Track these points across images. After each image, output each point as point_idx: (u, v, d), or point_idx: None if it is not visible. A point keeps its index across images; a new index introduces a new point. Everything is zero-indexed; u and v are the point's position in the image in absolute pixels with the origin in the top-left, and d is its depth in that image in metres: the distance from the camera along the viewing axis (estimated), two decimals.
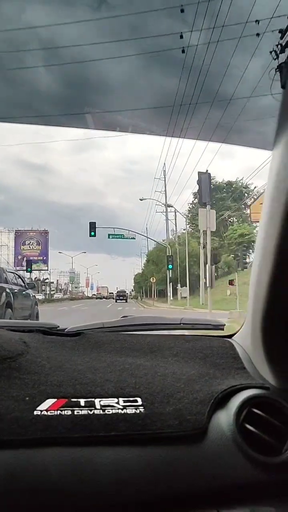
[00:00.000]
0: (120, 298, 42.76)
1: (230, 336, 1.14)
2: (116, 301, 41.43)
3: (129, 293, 62.03)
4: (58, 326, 1.20)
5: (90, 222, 26.41)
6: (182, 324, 1.27)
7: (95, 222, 26.38)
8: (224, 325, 1.25)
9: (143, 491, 0.64)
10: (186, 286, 29.82)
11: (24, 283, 9.52)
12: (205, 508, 0.66)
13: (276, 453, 0.69)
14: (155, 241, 38.78)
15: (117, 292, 47.86)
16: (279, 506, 0.67)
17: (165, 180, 37.42)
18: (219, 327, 1.26)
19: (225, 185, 46.08)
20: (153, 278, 35.58)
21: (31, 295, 9.64)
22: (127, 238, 32.45)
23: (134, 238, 33.42)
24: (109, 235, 32.24)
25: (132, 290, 74.22)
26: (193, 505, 0.66)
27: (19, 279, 9.33)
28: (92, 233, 26.07)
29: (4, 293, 7.35)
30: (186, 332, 1.24)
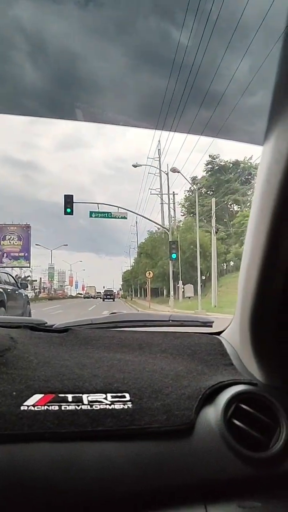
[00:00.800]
0: (108, 297, 44.79)
1: (219, 333, 1.14)
2: (103, 300, 42.85)
3: (116, 292, 61.18)
4: (46, 322, 1.20)
5: (65, 195, 19.95)
6: (171, 321, 1.28)
7: (72, 195, 20.08)
8: (213, 322, 1.26)
9: (130, 486, 0.64)
10: (190, 284, 25.19)
11: (16, 282, 9.77)
12: (192, 502, 0.66)
13: (263, 449, 0.69)
14: (154, 222, 31.54)
15: (105, 291, 49.54)
16: (265, 501, 0.67)
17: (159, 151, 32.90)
18: (208, 324, 1.27)
19: (231, 165, 41.52)
20: (149, 273, 28.62)
21: (23, 294, 9.89)
22: (115, 217, 25.08)
23: (125, 218, 25.37)
24: (91, 213, 24.59)
25: (120, 289, 72.34)
26: (181, 499, 0.66)
27: (12, 278, 9.61)
28: (68, 210, 19.87)
29: (2, 293, 7.69)
30: (175, 329, 1.25)
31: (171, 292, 24.36)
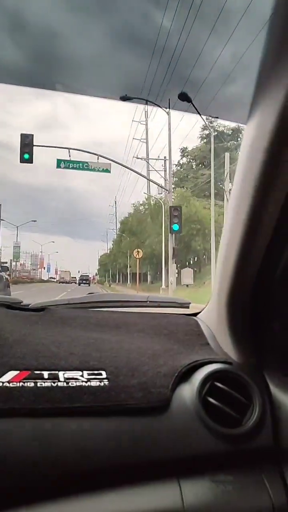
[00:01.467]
0: (84, 281, 45.70)
1: (196, 314, 1.16)
2: (79, 285, 43.25)
3: (92, 277, 60.05)
4: (22, 301, 1.18)
5: (21, 135, 14.65)
6: (148, 302, 1.28)
7: (31, 135, 14.77)
8: (190, 303, 1.27)
9: (106, 461, 0.66)
10: (188, 268, 20.83)
11: None
12: (166, 477, 0.68)
13: (237, 425, 0.72)
14: (151, 180, 22.73)
15: (80, 276, 49.82)
16: (237, 475, 0.70)
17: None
18: (185, 305, 1.28)
19: (230, 131, 35.40)
20: (138, 251, 22.35)
21: (4, 277, 10.46)
22: (94, 170, 17.63)
23: (108, 171, 17.58)
24: (59, 162, 17.55)
25: (96, 274, 69.72)
26: (155, 475, 0.68)
27: None
28: (26, 156, 14.53)
29: None
30: (152, 310, 1.25)
31: (170, 278, 17.11)
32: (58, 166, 17.63)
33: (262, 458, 0.72)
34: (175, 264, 17.37)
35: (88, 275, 53.85)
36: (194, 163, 38.87)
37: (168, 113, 18.49)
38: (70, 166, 17.79)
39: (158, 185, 21.79)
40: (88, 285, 43.37)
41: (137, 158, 29.87)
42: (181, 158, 38.62)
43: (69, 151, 17.12)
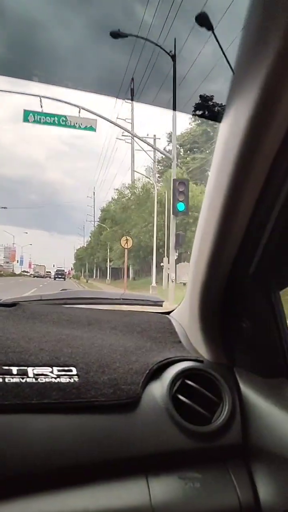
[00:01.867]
0: (59, 276, 45.35)
1: (169, 312, 1.16)
2: (54, 279, 42.65)
3: (67, 272, 58.64)
4: None
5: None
6: (122, 300, 1.28)
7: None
8: (163, 301, 1.28)
9: (75, 458, 0.65)
10: (185, 262, 16.00)
11: None
12: (134, 474, 0.68)
13: (206, 423, 0.73)
14: (147, 143, 17.13)
15: (56, 271, 49.21)
16: (205, 472, 0.70)
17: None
18: (158, 303, 1.29)
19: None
20: (126, 240, 17.64)
21: None
22: (73, 127, 13.33)
23: (92, 129, 13.30)
24: (26, 114, 13.09)
25: (71, 269, 67.16)
26: (124, 472, 0.68)
27: None
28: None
29: None
30: (125, 308, 1.26)
31: (171, 274, 12.91)
32: (26, 119, 12.96)
33: (230, 455, 0.73)
34: (174, 256, 13.23)
35: (63, 270, 53.02)
36: (182, 149, 34.55)
37: (173, 57, 13.05)
38: (42, 121, 13.00)
39: (161, 152, 17.94)
40: (63, 279, 42.96)
41: (123, 136, 27.57)
42: (168, 144, 33.70)
43: (40, 100, 12.38)
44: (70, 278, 51.91)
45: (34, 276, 56.38)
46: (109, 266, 30.60)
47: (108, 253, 29.91)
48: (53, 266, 66.26)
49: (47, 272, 64.72)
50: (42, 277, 53.79)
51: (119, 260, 25.00)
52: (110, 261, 30.84)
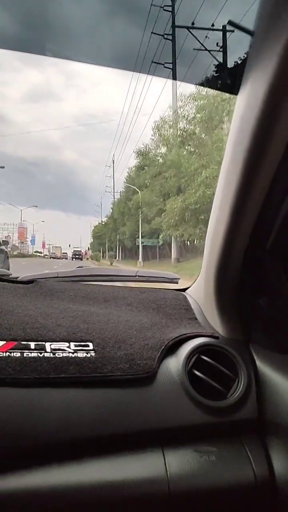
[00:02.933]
0: (76, 256, 45.70)
1: (184, 289, 1.16)
2: (72, 259, 42.77)
3: (84, 252, 56.54)
4: (11, 274, 1.19)
5: None
6: (137, 277, 1.28)
7: None
8: (179, 278, 1.27)
9: (91, 431, 0.67)
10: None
11: None
12: (151, 447, 0.69)
13: (221, 398, 0.73)
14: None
15: (74, 251, 49.22)
16: (220, 446, 0.71)
17: None
18: (174, 280, 1.28)
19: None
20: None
21: (4, 251, 11.80)
22: None
23: None
24: None
25: (88, 249, 62.35)
26: (140, 444, 0.69)
27: None
28: None
29: None
30: (141, 285, 1.26)
31: None
32: None
33: (246, 430, 0.74)
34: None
35: (80, 250, 52.66)
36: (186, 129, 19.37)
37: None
38: None
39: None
40: (81, 259, 43.01)
41: None
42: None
43: None
44: (87, 259, 48.06)
45: (50, 257, 52.09)
46: (141, 243, 22.67)
47: (140, 225, 21.87)
48: (69, 246, 63.41)
49: (63, 253, 62.19)
50: (59, 258, 50.83)
51: (169, 228, 15.68)
52: (141, 237, 22.67)
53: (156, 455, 0.69)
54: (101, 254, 44.54)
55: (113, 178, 43.53)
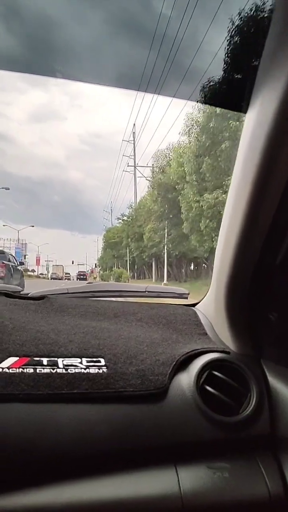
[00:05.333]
0: (81, 276, 45.13)
1: (194, 304, 1.16)
2: (77, 279, 42.32)
3: (90, 270, 54.71)
4: (22, 290, 1.20)
5: None
6: (147, 292, 1.29)
7: None
8: (188, 293, 1.28)
9: (103, 447, 0.67)
10: None
11: (16, 261, 13.80)
12: (163, 463, 0.69)
13: (233, 414, 0.73)
14: None
15: (79, 272, 48.57)
16: (233, 462, 0.71)
17: None
18: (183, 296, 1.29)
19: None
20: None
21: (20, 270, 14.05)
22: None
23: None
24: None
25: (96, 266, 54.68)
26: (152, 460, 0.69)
27: (14, 258, 13.75)
28: None
29: (10, 268, 11.91)
30: (151, 300, 1.26)
31: None
32: None
33: (259, 446, 0.73)
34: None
35: (84, 271, 51.26)
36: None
37: None
38: None
39: None
40: (85, 279, 41.94)
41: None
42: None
43: None
44: (94, 278, 43.44)
45: (51, 278, 46.75)
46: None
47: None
48: (72, 263, 59.32)
49: (66, 273, 56.42)
50: (60, 279, 45.72)
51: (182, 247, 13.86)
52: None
53: (169, 471, 0.68)
54: (111, 271, 32.90)
55: (134, 152, 33.98)
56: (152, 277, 25.70)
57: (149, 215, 21.78)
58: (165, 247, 19.39)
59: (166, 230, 19.03)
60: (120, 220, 33.78)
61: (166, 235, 19.11)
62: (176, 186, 17.22)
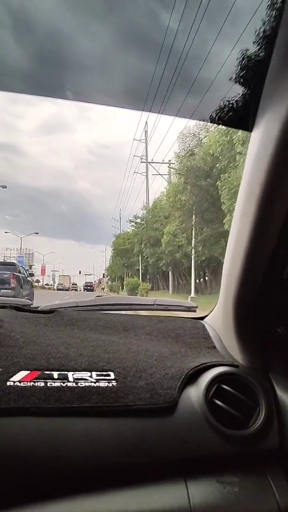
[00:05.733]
0: (88, 288, 44.54)
1: (202, 318, 1.17)
2: (84, 291, 41.62)
3: (97, 281, 52.99)
4: (32, 304, 1.21)
5: None
6: (155, 305, 1.30)
7: None
8: (197, 307, 1.28)
9: (114, 461, 0.67)
10: None
11: (26, 273, 13.93)
12: (173, 477, 0.69)
13: (243, 427, 0.73)
14: None
15: (85, 283, 48.15)
16: (243, 477, 0.71)
17: None
18: (192, 309, 1.29)
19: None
20: None
21: (30, 281, 14.40)
22: None
23: None
24: None
25: (104, 276, 51.36)
26: (162, 475, 0.69)
27: (24, 270, 13.93)
28: None
29: (20, 279, 12.08)
30: (159, 313, 1.27)
31: None
32: None
33: (268, 460, 0.73)
34: None
35: (91, 282, 50.87)
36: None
37: None
38: None
39: None
40: (92, 290, 41.62)
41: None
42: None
43: None
44: (102, 289, 41.31)
45: (57, 289, 45.00)
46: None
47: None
48: (79, 273, 57.45)
49: (73, 284, 54.96)
50: (67, 290, 44.73)
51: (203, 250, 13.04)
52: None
53: (179, 485, 0.68)
54: (121, 282, 31.22)
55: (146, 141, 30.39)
56: (168, 289, 22.11)
57: (173, 211, 17.53)
58: (193, 251, 15.28)
59: (193, 229, 15.19)
60: (132, 223, 29.31)
61: (193, 235, 15.14)
62: (214, 169, 13.59)
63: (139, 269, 26.00)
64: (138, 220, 27.75)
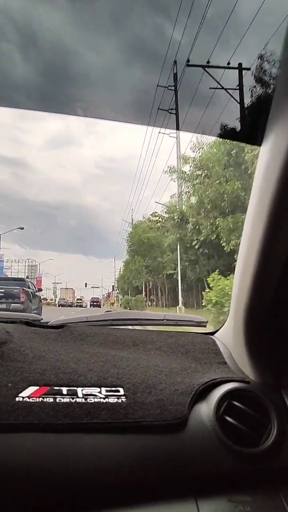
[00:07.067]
0: (94, 303, 41.96)
1: (213, 333, 1.16)
2: (91, 306, 37.83)
3: (106, 295, 50.31)
4: (42, 319, 1.21)
5: None
6: (165, 320, 1.29)
7: None
8: (207, 322, 1.28)
9: (124, 478, 0.66)
10: None
11: (35, 288, 14.35)
12: (183, 496, 0.68)
13: (254, 445, 0.71)
14: None
15: (92, 298, 45.31)
16: (254, 495, 0.69)
17: None
18: (202, 324, 1.28)
19: None
20: None
21: (38, 296, 14.75)
22: None
23: None
24: None
25: (114, 289, 46.09)
26: (172, 493, 0.68)
27: (33, 285, 14.28)
28: None
29: (29, 294, 12.37)
30: (169, 328, 1.26)
31: None
32: None
33: (281, 478, 0.71)
34: None
35: (98, 298, 46.86)
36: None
37: None
38: None
39: None
40: (99, 306, 38.87)
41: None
42: None
43: None
44: (112, 304, 37.38)
45: (58, 305, 38.31)
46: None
47: None
48: (85, 285, 49.21)
49: (78, 299, 47.05)
50: (70, 306, 38.24)
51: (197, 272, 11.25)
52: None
53: (189, 504, 0.67)
54: (130, 295, 24.10)
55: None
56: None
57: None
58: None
59: None
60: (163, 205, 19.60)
61: None
62: None
63: (173, 273, 16.75)
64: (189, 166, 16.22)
